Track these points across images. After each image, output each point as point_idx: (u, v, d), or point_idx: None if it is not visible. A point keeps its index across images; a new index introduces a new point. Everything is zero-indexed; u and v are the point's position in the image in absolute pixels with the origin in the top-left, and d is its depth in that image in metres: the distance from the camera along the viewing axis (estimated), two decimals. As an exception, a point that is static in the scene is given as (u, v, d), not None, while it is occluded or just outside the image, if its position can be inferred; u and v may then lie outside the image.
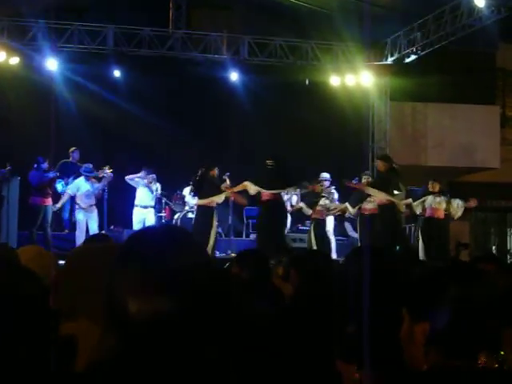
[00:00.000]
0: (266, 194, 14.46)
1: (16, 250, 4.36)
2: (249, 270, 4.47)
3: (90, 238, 6.18)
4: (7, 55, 16.62)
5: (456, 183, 20.78)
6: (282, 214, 14.89)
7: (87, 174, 15.38)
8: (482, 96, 20.17)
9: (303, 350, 3.05)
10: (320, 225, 15.71)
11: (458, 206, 15.05)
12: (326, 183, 16.14)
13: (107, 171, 15.38)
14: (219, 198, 14.72)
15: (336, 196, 16.28)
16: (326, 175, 16.35)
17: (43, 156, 15.19)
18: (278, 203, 14.65)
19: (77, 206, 15.54)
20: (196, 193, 15.12)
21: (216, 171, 14.83)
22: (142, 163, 16.39)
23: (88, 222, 15.32)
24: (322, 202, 15.84)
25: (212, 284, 1.61)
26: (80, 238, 15.13)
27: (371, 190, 14.71)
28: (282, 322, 3.18)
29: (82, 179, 15.44)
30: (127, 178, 16.19)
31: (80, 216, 15.40)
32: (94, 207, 15.44)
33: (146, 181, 16.22)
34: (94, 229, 15.32)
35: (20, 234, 15.22)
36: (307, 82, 18.41)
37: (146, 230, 1.77)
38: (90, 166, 15.50)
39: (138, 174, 16.23)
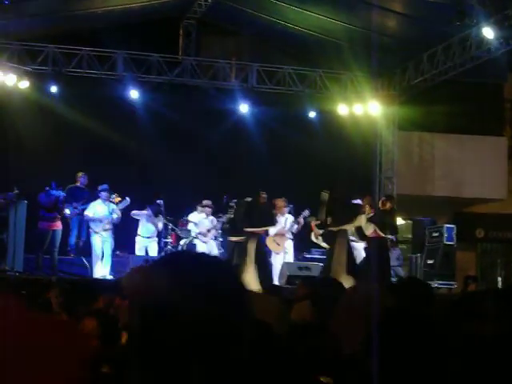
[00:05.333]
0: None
1: None
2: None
3: None
4: (17, 79, 16.71)
5: (462, 214, 20.75)
6: None
7: (104, 192, 15.22)
8: (489, 127, 20.17)
9: None
10: None
11: None
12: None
13: (116, 199, 15.32)
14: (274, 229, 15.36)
15: None
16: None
17: (56, 183, 15.20)
18: None
19: (91, 231, 15.41)
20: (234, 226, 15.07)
21: (264, 196, 14.98)
22: (148, 187, 16.36)
23: (103, 246, 15.20)
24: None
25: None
26: (97, 262, 15.05)
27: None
28: None
29: (98, 201, 15.34)
30: (133, 213, 16.04)
31: (96, 240, 15.20)
32: (110, 232, 15.30)
33: (147, 216, 16.09)
34: (108, 253, 15.19)
35: (26, 257, 15.19)
36: None
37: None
38: (106, 186, 15.41)
39: (144, 212, 16.12)
